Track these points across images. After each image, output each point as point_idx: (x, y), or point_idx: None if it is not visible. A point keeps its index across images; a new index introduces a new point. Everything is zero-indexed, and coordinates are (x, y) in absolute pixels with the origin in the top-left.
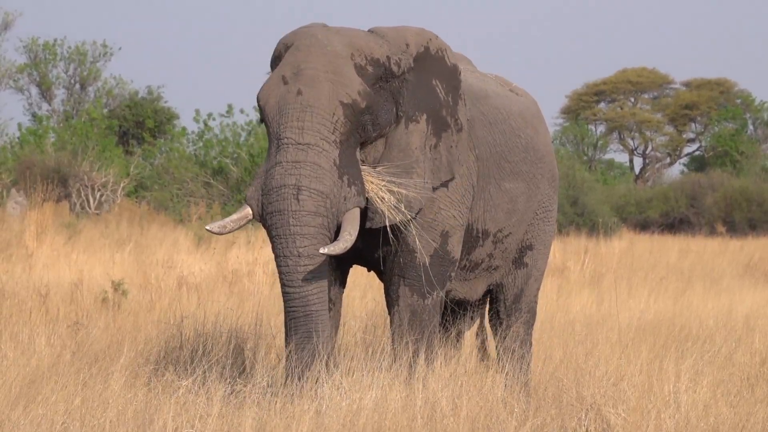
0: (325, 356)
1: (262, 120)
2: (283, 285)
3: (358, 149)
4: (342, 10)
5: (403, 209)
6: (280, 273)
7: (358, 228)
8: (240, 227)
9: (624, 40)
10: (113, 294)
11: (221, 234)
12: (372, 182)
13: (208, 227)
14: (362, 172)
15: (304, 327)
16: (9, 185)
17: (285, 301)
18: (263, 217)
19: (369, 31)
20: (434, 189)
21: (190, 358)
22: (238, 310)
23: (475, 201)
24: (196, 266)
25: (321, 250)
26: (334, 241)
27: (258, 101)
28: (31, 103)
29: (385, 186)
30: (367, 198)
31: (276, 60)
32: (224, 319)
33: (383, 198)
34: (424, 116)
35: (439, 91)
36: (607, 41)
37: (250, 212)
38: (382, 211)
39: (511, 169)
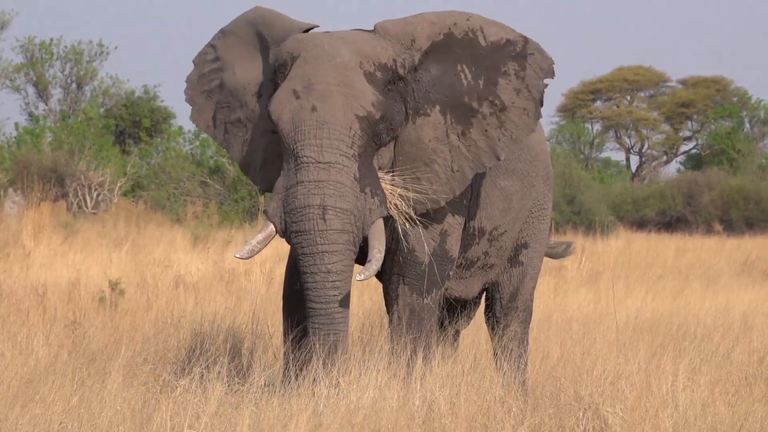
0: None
1: (275, 132)
2: (309, 301)
3: (375, 158)
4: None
5: (413, 215)
6: (306, 290)
7: (385, 242)
8: (266, 245)
9: (620, 39)
10: (110, 293)
11: (250, 258)
12: (385, 189)
13: (237, 255)
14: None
15: (325, 345)
16: (6, 185)
17: (310, 317)
18: (287, 235)
19: (372, 30)
20: (477, 175)
21: (188, 358)
22: (236, 309)
23: (471, 199)
24: (193, 265)
25: (357, 278)
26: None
27: (270, 115)
28: (27, 103)
29: (398, 193)
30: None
31: (281, 68)
32: (221, 318)
33: (396, 204)
34: (437, 108)
35: (463, 76)
36: (604, 39)
37: (274, 230)
38: (396, 219)
39: (506, 167)
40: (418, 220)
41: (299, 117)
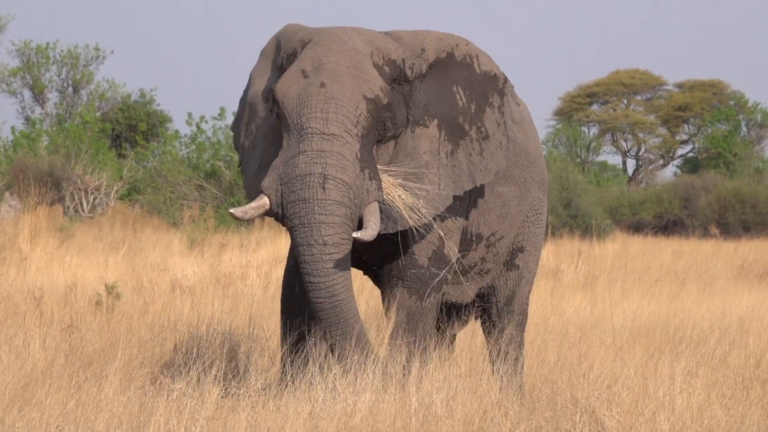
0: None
1: (278, 114)
2: (306, 275)
3: (375, 147)
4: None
5: (417, 211)
6: (302, 263)
7: (380, 220)
8: (258, 216)
9: (617, 42)
10: (107, 297)
11: (243, 219)
12: (387, 181)
13: (231, 210)
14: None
15: (334, 318)
16: (2, 189)
17: (309, 292)
18: (283, 207)
19: (386, 33)
20: (455, 197)
21: (184, 361)
22: (232, 312)
23: (469, 205)
24: (189, 269)
25: (354, 234)
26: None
27: (275, 95)
28: (24, 107)
29: (400, 185)
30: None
31: (291, 57)
32: (218, 321)
33: (399, 196)
34: (435, 121)
35: (459, 97)
36: (600, 43)
37: (267, 202)
38: (398, 212)
39: (504, 173)
40: (419, 220)
41: (306, 92)
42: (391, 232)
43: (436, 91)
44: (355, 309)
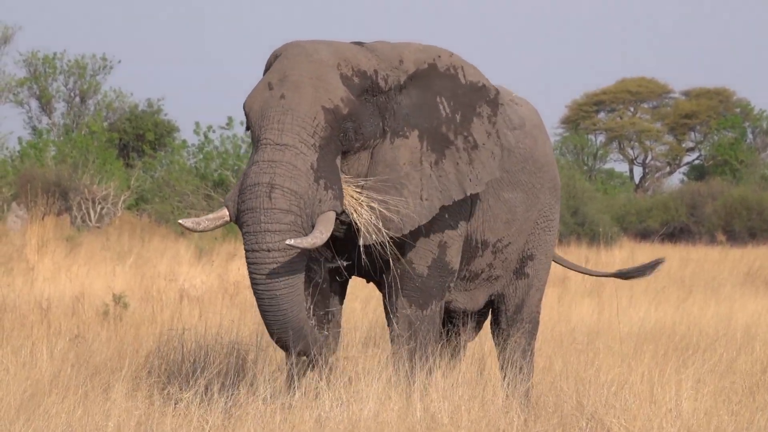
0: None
1: (247, 127)
2: (250, 274)
3: (339, 157)
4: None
5: (382, 228)
6: (249, 270)
7: (331, 229)
8: (215, 227)
9: (623, 50)
10: (114, 307)
11: (194, 231)
12: (352, 197)
13: (181, 221)
14: (344, 185)
15: (272, 316)
16: (9, 199)
17: (253, 292)
18: (237, 217)
19: (362, 45)
20: (445, 207)
21: (192, 371)
22: (239, 322)
23: (474, 211)
24: (197, 279)
25: (288, 242)
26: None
27: (244, 107)
28: (31, 117)
29: (365, 202)
30: (352, 214)
31: (266, 71)
32: (225, 331)
33: (361, 214)
34: (416, 132)
35: (442, 108)
36: (607, 51)
37: (227, 214)
38: (360, 228)
39: (510, 179)
40: (384, 237)
41: (267, 105)
42: (367, 243)
43: (417, 101)
44: (299, 309)
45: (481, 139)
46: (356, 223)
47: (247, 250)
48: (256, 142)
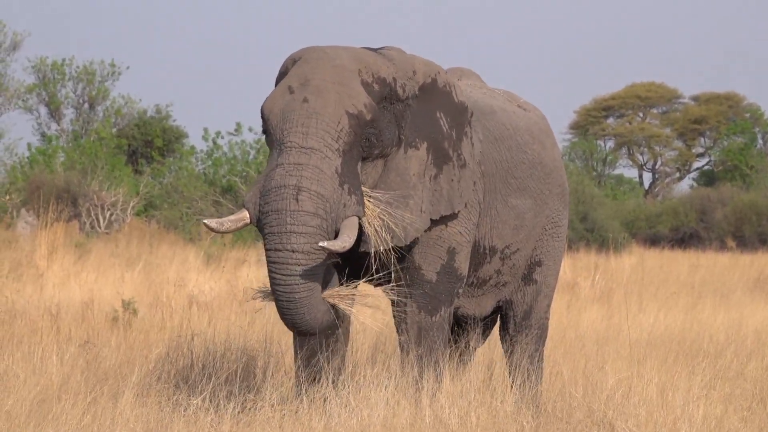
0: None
1: (265, 130)
2: (270, 273)
3: (360, 163)
4: (349, 31)
5: (388, 238)
6: (270, 269)
7: (356, 234)
8: (237, 229)
9: (632, 55)
10: (123, 313)
11: (218, 231)
12: (367, 207)
13: (205, 221)
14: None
15: (289, 316)
16: (19, 205)
17: (272, 290)
18: (259, 219)
19: (378, 51)
20: (433, 221)
21: (201, 376)
22: (248, 328)
23: (482, 217)
24: (206, 285)
25: (321, 244)
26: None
27: (262, 111)
28: (40, 123)
29: (379, 213)
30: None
31: (282, 75)
32: (234, 337)
33: (372, 223)
34: (425, 144)
35: (442, 123)
36: (616, 56)
37: (248, 216)
38: (370, 236)
39: (518, 185)
40: (389, 246)
41: (290, 108)
42: (367, 250)
43: (425, 114)
44: (316, 310)
45: (468, 159)
46: (366, 231)
47: (269, 249)
48: (279, 145)
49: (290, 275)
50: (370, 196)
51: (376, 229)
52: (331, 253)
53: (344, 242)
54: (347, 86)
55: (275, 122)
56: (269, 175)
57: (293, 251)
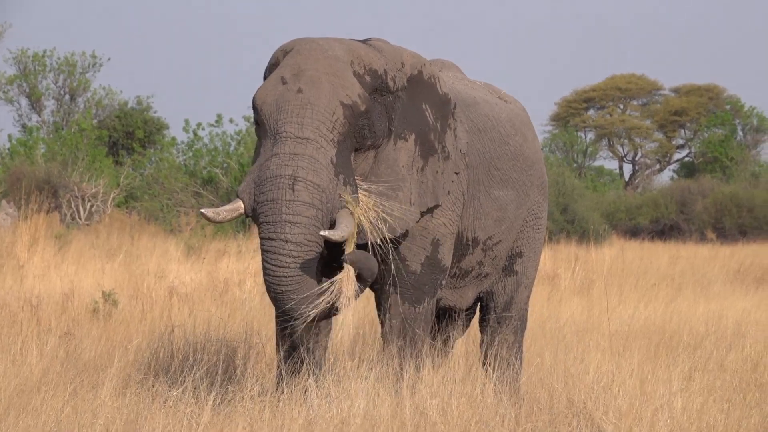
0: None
1: (257, 121)
2: (264, 272)
3: (353, 154)
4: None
5: (383, 228)
6: (263, 254)
7: (352, 224)
8: (232, 219)
9: (613, 47)
10: (104, 304)
11: (214, 221)
12: (361, 198)
13: (203, 210)
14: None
15: (283, 310)
16: None
17: (264, 280)
18: (254, 209)
19: (367, 42)
20: (421, 214)
21: (181, 368)
22: (229, 319)
23: (465, 209)
24: (186, 276)
25: (321, 233)
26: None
27: (254, 101)
28: (20, 115)
29: (373, 204)
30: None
31: (273, 66)
32: (215, 328)
33: (368, 211)
34: (413, 136)
35: (428, 115)
36: (596, 48)
37: (242, 206)
38: (364, 228)
39: (501, 176)
40: (388, 236)
41: (284, 98)
42: (362, 242)
43: (412, 106)
44: (306, 301)
45: (451, 151)
46: (362, 223)
47: (263, 238)
48: (273, 136)
49: (281, 266)
50: (363, 187)
51: (371, 221)
52: (326, 245)
53: (343, 232)
54: (341, 77)
55: (269, 112)
56: (264, 165)
57: (286, 241)
